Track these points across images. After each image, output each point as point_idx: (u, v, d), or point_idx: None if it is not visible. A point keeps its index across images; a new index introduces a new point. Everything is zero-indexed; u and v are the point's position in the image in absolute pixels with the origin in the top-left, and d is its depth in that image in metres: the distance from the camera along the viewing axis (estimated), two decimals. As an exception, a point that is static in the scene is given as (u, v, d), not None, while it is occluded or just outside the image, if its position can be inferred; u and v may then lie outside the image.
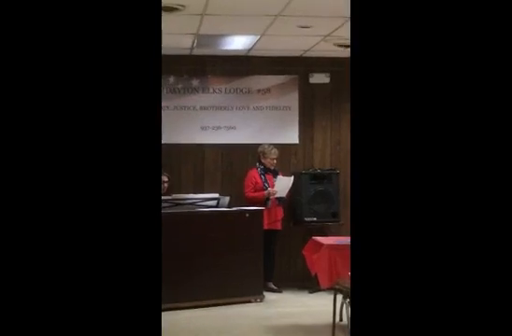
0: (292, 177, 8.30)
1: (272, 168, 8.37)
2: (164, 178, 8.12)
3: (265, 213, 8.02)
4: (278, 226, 8.37)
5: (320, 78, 8.98)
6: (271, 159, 8.32)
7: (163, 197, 7.71)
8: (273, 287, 8.29)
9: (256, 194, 8.18)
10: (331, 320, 6.26)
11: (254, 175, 8.32)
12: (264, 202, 8.13)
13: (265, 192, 8.17)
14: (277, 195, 8.21)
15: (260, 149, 8.39)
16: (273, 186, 8.21)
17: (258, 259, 7.69)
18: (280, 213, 8.39)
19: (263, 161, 8.35)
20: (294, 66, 8.91)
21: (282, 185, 8.18)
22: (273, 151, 8.33)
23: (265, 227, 7.99)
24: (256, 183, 8.25)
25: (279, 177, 8.25)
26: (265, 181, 8.27)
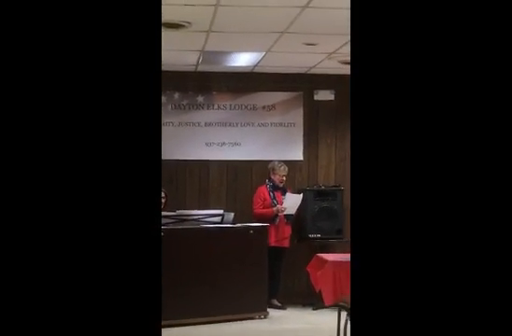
0: (302, 195, 8.31)
1: (281, 185, 8.38)
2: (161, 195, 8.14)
3: (273, 230, 8.04)
4: (286, 244, 8.36)
5: (324, 95, 9.01)
6: (280, 175, 8.33)
7: (167, 213, 7.72)
8: (277, 303, 8.27)
9: (265, 211, 8.20)
10: (334, 337, 6.23)
11: (263, 191, 8.34)
12: (272, 218, 8.13)
13: (274, 209, 8.18)
14: (286, 212, 8.21)
15: (270, 166, 8.42)
16: (281, 203, 8.22)
17: (262, 276, 7.67)
18: (288, 230, 8.38)
19: (272, 177, 8.37)
20: (299, 83, 8.94)
21: (291, 202, 8.19)
22: (282, 168, 8.35)
23: (273, 244, 8.00)
24: (265, 199, 8.27)
25: (288, 194, 8.27)
26: (274, 198, 8.28)
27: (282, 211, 8.18)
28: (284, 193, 8.32)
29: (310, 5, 5.69)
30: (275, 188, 8.35)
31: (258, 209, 8.24)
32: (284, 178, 8.38)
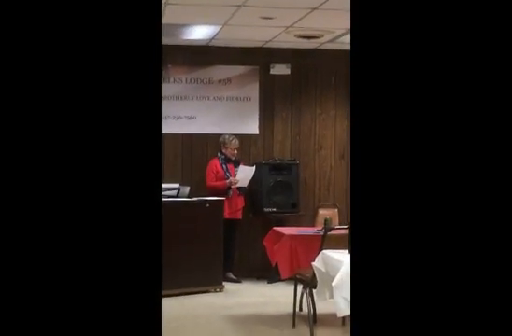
0: (254, 167, 8.34)
1: (233, 158, 8.39)
2: None
3: (226, 202, 8.05)
4: (239, 215, 8.41)
5: (280, 70, 8.99)
6: (231, 149, 8.35)
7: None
8: (232, 277, 8.31)
9: (217, 183, 8.21)
10: (290, 310, 6.30)
11: (216, 164, 8.34)
12: (226, 191, 8.15)
13: (227, 181, 8.20)
14: (239, 185, 8.24)
15: (221, 140, 8.42)
16: (234, 175, 8.24)
17: (218, 249, 7.71)
18: (241, 202, 8.43)
19: (223, 151, 8.38)
20: (255, 57, 8.91)
21: (244, 174, 8.22)
22: (233, 141, 8.36)
23: (226, 216, 8.02)
24: (217, 172, 8.27)
25: (241, 167, 8.29)
26: (227, 171, 8.29)
27: (235, 183, 8.21)
28: (237, 166, 8.35)
29: (269, -22, 5.67)
30: (227, 160, 8.37)
31: (211, 181, 8.25)
32: (235, 152, 8.40)
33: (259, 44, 8.68)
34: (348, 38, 8.01)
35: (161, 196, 2.94)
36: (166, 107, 8.74)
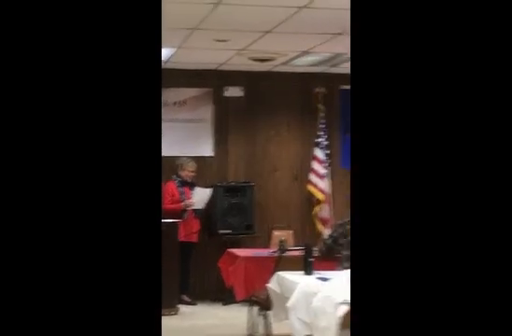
0: (210, 189, 8.35)
1: (189, 181, 8.40)
2: None
3: (182, 225, 8.03)
4: (194, 238, 8.39)
5: (234, 92, 9.05)
6: (188, 171, 8.37)
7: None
8: (187, 299, 8.27)
9: (173, 206, 8.19)
10: (245, 332, 6.29)
11: (171, 187, 8.34)
12: (181, 213, 8.14)
13: (182, 204, 8.19)
14: (195, 207, 8.24)
15: (178, 162, 8.43)
16: (190, 198, 8.24)
17: (173, 272, 7.66)
18: (197, 225, 8.42)
19: (180, 173, 8.38)
20: (209, 79, 8.95)
21: (200, 197, 8.24)
22: (190, 164, 8.38)
23: (181, 239, 7.99)
24: (173, 195, 8.27)
25: (197, 189, 8.30)
26: (182, 193, 8.30)
27: (191, 205, 8.21)
28: (193, 188, 8.36)
29: (223, 1, 5.71)
30: (183, 183, 8.38)
31: (166, 204, 8.22)
32: (192, 174, 8.42)
33: (213, 66, 8.72)
34: (300, 61, 8.14)
35: (161, 218, 2.96)
36: (120, 130, 8.74)
